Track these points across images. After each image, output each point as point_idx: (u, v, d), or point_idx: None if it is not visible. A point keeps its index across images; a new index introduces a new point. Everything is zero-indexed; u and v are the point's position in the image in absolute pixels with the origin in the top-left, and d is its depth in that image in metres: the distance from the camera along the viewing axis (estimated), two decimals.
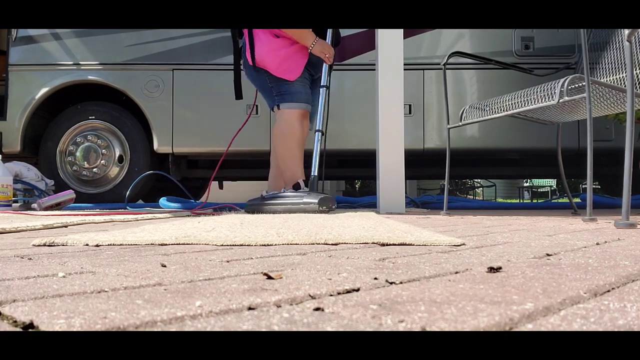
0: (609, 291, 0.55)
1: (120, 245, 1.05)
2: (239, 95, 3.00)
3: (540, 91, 2.17)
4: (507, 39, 3.67)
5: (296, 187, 2.78)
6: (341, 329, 0.39)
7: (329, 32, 2.95)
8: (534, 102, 2.21)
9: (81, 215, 2.29)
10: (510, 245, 1.04)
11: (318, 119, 2.72)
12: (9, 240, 1.21)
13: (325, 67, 2.82)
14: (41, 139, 3.77)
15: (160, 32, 3.69)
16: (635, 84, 2.22)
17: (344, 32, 3.74)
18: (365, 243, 1.07)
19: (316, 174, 2.65)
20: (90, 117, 3.74)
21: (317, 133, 2.70)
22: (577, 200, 3.79)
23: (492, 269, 0.68)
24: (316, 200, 2.40)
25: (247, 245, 1.03)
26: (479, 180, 13.34)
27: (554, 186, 12.98)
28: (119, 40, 3.70)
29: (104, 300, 0.49)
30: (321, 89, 2.79)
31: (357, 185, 12.87)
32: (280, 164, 2.90)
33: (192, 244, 1.07)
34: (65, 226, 1.67)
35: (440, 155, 3.27)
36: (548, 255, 0.88)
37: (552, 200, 6.15)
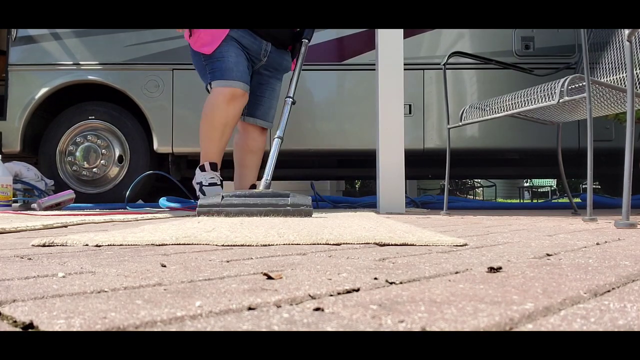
0: (609, 291, 0.55)
1: (120, 245, 1.05)
2: None
3: (541, 91, 2.17)
4: (507, 39, 3.67)
5: (201, 168, 2.76)
6: (341, 329, 0.39)
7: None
8: (534, 102, 2.20)
9: (81, 215, 2.29)
10: (511, 245, 1.04)
11: (280, 126, 2.57)
12: (9, 240, 1.21)
13: (294, 79, 2.70)
14: (41, 139, 3.77)
15: (160, 32, 3.69)
16: (636, 83, 2.22)
17: (345, 32, 3.75)
18: (367, 243, 1.06)
19: (269, 179, 2.40)
20: (90, 117, 3.74)
21: (276, 139, 2.52)
22: (577, 200, 3.79)
23: (492, 269, 0.68)
24: (309, 203, 2.06)
25: (248, 246, 1.03)
26: (479, 180, 13.34)
27: (554, 186, 12.99)
28: (119, 40, 3.70)
29: (104, 301, 0.49)
30: (287, 99, 2.66)
31: (357, 185, 12.87)
32: (200, 142, 2.83)
33: (192, 244, 1.07)
34: (65, 226, 1.67)
35: (440, 155, 3.27)
36: (548, 255, 0.88)
37: (552, 200, 6.15)
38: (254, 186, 2.84)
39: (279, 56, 2.94)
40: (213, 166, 2.80)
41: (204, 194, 2.77)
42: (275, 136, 2.50)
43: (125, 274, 0.66)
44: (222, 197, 2.11)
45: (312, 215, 2.03)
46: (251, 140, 2.98)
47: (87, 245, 1.05)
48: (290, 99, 2.66)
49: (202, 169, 2.80)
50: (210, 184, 2.79)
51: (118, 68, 3.69)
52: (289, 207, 2.01)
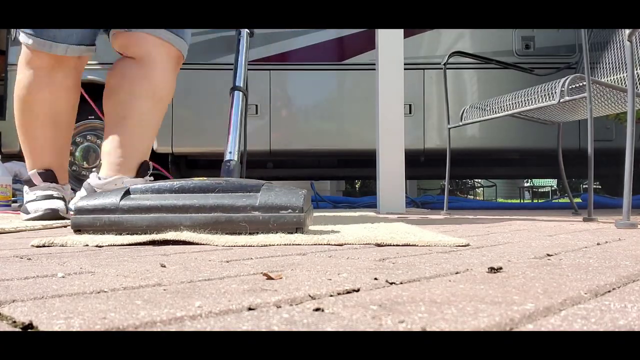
0: (609, 291, 0.55)
1: (120, 245, 1.05)
2: None
3: (541, 91, 2.17)
4: (507, 38, 3.67)
5: (29, 184, 1.86)
6: (341, 329, 0.39)
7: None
8: (535, 102, 2.20)
9: None
10: (511, 246, 1.04)
11: (237, 71, 1.72)
12: (8, 240, 1.21)
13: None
14: None
15: None
16: (636, 83, 2.22)
17: (345, 32, 3.75)
18: (367, 244, 1.06)
19: (235, 157, 1.54)
20: (89, 117, 3.74)
21: (235, 92, 1.68)
22: (578, 200, 3.79)
23: (492, 269, 0.68)
24: (297, 203, 1.18)
25: (248, 246, 1.03)
26: (480, 180, 13.33)
27: (555, 186, 12.98)
28: None
29: (104, 301, 0.49)
30: (240, 31, 1.81)
31: (357, 186, 12.88)
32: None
33: (193, 242, 1.07)
34: (65, 226, 1.67)
35: (441, 155, 3.27)
36: (549, 255, 0.87)
37: (553, 200, 6.15)
38: (145, 165, 1.73)
39: None
40: (47, 176, 1.86)
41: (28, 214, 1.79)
42: (232, 87, 1.70)
43: (124, 274, 0.66)
44: (127, 192, 1.25)
45: (305, 229, 1.20)
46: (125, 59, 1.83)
47: (87, 245, 1.05)
48: (246, 30, 1.82)
49: (30, 183, 1.86)
50: (45, 198, 1.78)
51: None
52: (256, 213, 1.17)
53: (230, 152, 1.56)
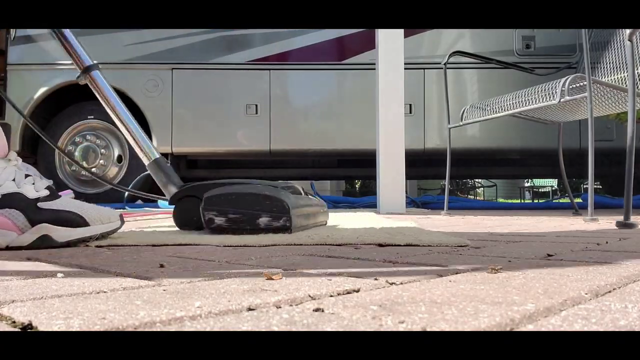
0: (610, 292, 0.54)
1: (121, 245, 1.05)
2: None
3: (541, 91, 2.17)
4: (508, 38, 3.67)
5: None
6: (341, 330, 0.39)
7: None
8: (535, 101, 2.20)
9: None
10: (511, 246, 1.04)
11: (81, 51, 1.59)
12: None
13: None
14: (40, 138, 3.77)
15: (159, 31, 3.69)
16: (637, 83, 2.22)
17: (344, 32, 3.75)
18: (368, 244, 1.06)
19: (158, 155, 1.49)
20: (89, 117, 3.74)
21: (94, 73, 1.61)
22: (579, 200, 3.79)
23: (492, 269, 0.68)
24: (322, 202, 1.67)
25: (250, 246, 1.03)
26: (480, 180, 13.33)
27: (555, 186, 12.98)
28: (119, 39, 3.70)
29: (103, 301, 0.49)
30: None
31: (357, 186, 12.88)
32: None
33: (193, 244, 1.07)
34: None
35: (441, 155, 3.27)
36: (549, 255, 0.87)
37: (553, 201, 6.15)
38: None
39: None
40: None
41: None
42: (87, 67, 1.59)
43: (124, 274, 0.66)
44: (222, 190, 1.26)
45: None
46: None
47: (87, 245, 1.05)
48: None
49: None
50: None
51: (117, 68, 3.69)
52: (318, 208, 1.54)
53: (147, 149, 1.46)
